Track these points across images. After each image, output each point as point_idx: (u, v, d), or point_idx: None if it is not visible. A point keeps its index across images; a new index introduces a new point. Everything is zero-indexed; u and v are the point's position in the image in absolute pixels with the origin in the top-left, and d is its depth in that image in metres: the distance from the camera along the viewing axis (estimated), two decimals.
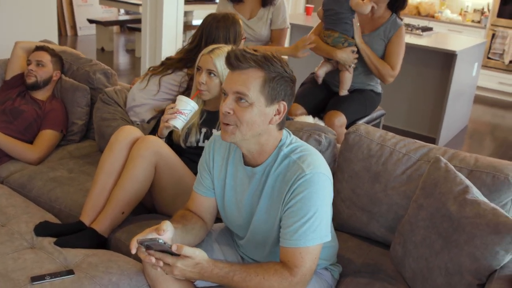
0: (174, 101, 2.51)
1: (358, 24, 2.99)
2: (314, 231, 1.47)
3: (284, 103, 1.50)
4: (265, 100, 1.46)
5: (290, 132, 1.63)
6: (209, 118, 2.27)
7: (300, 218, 1.47)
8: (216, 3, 3.49)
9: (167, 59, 2.65)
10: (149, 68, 2.69)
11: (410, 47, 4.33)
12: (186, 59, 2.56)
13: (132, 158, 2.03)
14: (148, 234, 1.45)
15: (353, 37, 2.99)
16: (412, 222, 1.79)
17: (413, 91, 4.80)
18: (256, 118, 1.46)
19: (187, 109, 2.09)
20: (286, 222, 1.50)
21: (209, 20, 2.53)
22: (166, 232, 1.46)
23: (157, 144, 2.06)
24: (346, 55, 2.96)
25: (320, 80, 3.15)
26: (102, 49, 7.35)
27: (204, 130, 2.25)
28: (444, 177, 1.75)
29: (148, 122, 2.53)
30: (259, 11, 3.22)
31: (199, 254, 1.43)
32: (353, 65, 3.00)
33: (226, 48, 2.19)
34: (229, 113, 1.46)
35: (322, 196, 1.49)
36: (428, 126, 4.78)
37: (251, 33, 3.21)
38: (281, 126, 1.56)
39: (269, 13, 3.22)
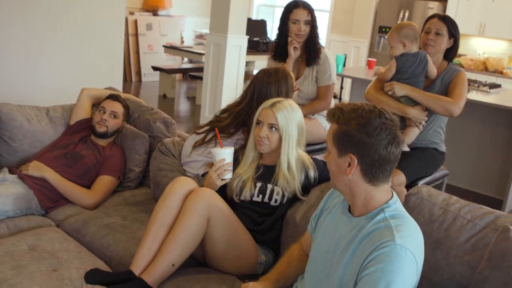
0: None
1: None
2: None
3: (352, 155, 1.51)
4: (336, 151, 1.55)
5: (398, 200, 1.62)
6: (265, 173, 2.24)
7: None
8: None
9: (215, 121, 2.62)
10: (193, 131, 2.68)
11: (476, 104, 4.20)
12: (239, 122, 2.54)
13: (185, 210, 2.01)
14: None
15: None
16: None
17: (479, 150, 4.61)
18: (333, 167, 1.58)
19: (232, 158, 2.17)
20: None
21: (260, 76, 2.53)
22: None
23: (211, 197, 2.04)
24: (418, 113, 2.88)
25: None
26: (164, 96, 7.56)
27: (259, 184, 2.22)
28: None
29: (203, 176, 2.52)
30: (304, 70, 3.24)
31: None
32: (423, 122, 2.92)
33: (287, 103, 2.19)
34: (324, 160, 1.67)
35: (402, 275, 1.42)
36: (495, 187, 4.55)
37: (299, 94, 3.22)
38: (370, 180, 1.54)
39: (313, 71, 3.22)
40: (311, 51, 3.19)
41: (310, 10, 3.18)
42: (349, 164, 1.53)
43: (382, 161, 1.51)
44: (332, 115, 1.57)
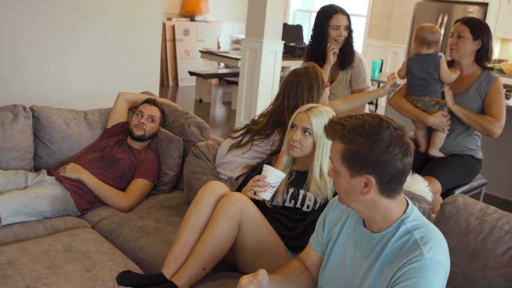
0: (262, 158, 2.51)
1: (448, 87, 2.88)
2: None
3: (369, 176, 1.42)
4: (348, 171, 1.45)
5: (414, 206, 1.55)
6: (298, 178, 2.23)
7: None
8: None
9: (252, 124, 2.65)
10: (228, 135, 2.71)
11: None
12: (273, 122, 2.55)
13: (216, 215, 2.02)
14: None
15: (443, 98, 2.89)
16: None
17: None
18: (346, 187, 1.48)
19: (277, 182, 2.10)
20: None
21: (290, 75, 2.55)
22: (262, 281, 1.51)
23: (243, 201, 2.04)
24: (438, 120, 2.86)
25: (423, 148, 3.04)
26: (200, 101, 7.63)
27: (291, 190, 2.21)
28: None
29: (236, 179, 2.53)
30: (339, 74, 3.22)
31: None
32: (446, 127, 2.88)
33: (323, 108, 2.18)
34: (332, 178, 1.54)
35: None
36: None
37: (333, 99, 3.21)
38: (388, 195, 1.46)
39: (347, 75, 3.22)
40: (346, 54, 3.18)
41: (348, 15, 3.18)
42: (365, 185, 1.44)
43: (400, 174, 1.43)
44: (334, 132, 1.46)
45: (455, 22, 2.92)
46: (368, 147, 1.40)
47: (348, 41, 3.18)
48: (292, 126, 2.20)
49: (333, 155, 1.48)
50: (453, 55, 2.89)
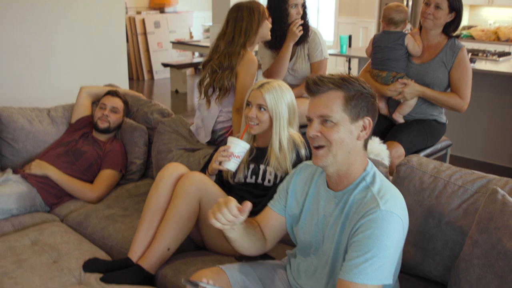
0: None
1: (413, 81, 2.92)
2: (375, 271, 1.42)
3: (369, 118, 1.53)
4: (349, 117, 1.50)
5: (373, 164, 1.63)
6: (258, 154, 2.25)
7: (364, 253, 1.42)
8: None
9: (206, 63, 2.80)
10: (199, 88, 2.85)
11: (486, 74, 4.13)
12: (230, 53, 2.67)
13: (176, 195, 2.04)
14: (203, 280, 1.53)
15: (402, 71, 2.95)
16: (467, 260, 1.64)
17: (491, 120, 4.52)
18: (344, 135, 1.50)
19: (241, 152, 2.11)
20: (349, 255, 1.47)
21: (232, 8, 2.74)
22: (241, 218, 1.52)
23: (201, 180, 2.06)
24: (395, 91, 2.89)
25: (384, 111, 3.08)
26: (176, 91, 7.61)
27: (252, 166, 2.23)
28: (501, 210, 1.61)
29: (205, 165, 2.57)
30: (296, 50, 3.24)
31: None
32: (402, 93, 2.91)
33: (276, 83, 2.19)
34: (317, 135, 1.52)
35: (390, 238, 1.43)
36: (510, 156, 4.47)
37: (294, 75, 3.24)
38: (366, 143, 1.57)
39: (304, 49, 3.23)
40: (302, 29, 3.19)
41: None
42: (363, 128, 1.52)
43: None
44: (327, 83, 1.50)
45: None
46: (364, 90, 1.52)
47: (303, 16, 3.20)
48: (248, 104, 2.21)
49: (330, 106, 1.49)
50: (426, 24, 2.87)
